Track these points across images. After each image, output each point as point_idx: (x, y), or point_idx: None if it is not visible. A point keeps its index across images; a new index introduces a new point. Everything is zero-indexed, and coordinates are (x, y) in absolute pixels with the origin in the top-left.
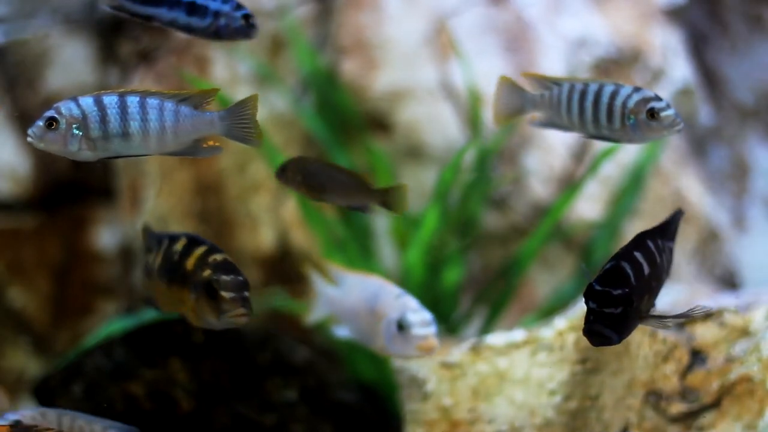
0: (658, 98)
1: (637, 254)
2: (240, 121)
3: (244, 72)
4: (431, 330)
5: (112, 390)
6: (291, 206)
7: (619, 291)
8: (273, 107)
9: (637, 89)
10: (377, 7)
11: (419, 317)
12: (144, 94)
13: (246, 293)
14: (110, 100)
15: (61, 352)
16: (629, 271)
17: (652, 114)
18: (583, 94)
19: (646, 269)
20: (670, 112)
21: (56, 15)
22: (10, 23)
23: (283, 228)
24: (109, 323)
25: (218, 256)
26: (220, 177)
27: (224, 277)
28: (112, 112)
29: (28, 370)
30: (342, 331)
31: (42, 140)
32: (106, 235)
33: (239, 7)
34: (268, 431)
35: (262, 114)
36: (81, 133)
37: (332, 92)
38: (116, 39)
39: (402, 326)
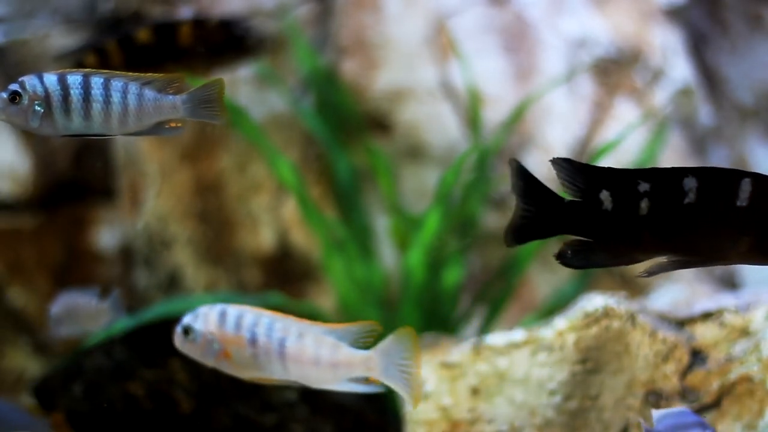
0: None
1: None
2: (203, 102)
3: (244, 72)
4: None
5: (112, 390)
6: (291, 206)
7: None
8: (273, 107)
9: None
10: (377, 7)
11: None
12: (109, 76)
13: None
14: (74, 80)
15: (61, 352)
16: None
17: None
18: None
19: None
20: None
21: (56, 15)
22: (10, 23)
23: (283, 228)
24: (109, 323)
25: None
26: (220, 177)
27: None
28: (75, 92)
29: (28, 370)
30: None
31: (4, 113)
32: (106, 236)
33: None
34: (268, 431)
35: (262, 114)
36: (42, 110)
37: (332, 92)
38: None
39: None
